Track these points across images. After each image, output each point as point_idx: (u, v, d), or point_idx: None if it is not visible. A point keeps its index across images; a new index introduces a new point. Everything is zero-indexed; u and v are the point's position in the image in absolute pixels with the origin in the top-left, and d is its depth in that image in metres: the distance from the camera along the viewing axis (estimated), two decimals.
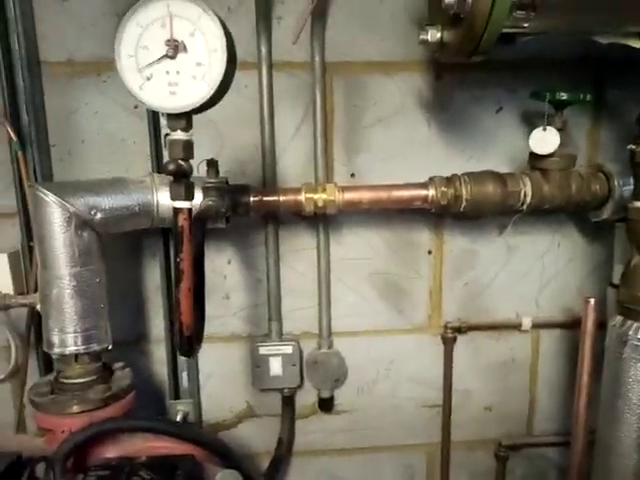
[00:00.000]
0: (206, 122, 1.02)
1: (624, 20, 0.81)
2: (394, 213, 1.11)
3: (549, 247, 1.17)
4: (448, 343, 1.18)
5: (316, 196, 0.97)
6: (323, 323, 1.15)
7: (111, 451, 0.81)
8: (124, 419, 0.86)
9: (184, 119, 0.66)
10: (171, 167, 0.67)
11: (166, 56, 0.62)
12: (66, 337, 0.85)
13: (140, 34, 0.62)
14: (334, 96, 1.07)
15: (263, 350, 1.13)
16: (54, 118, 1.02)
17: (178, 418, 1.13)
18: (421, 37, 0.84)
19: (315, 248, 1.12)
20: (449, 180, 0.99)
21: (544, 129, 0.95)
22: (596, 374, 0.96)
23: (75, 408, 0.83)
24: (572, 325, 1.16)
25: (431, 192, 0.98)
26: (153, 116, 1.01)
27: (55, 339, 0.85)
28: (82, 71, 1.01)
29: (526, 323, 1.18)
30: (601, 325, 0.96)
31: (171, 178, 0.70)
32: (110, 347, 0.90)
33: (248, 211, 0.96)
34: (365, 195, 0.99)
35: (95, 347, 0.87)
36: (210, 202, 0.85)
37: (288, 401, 1.18)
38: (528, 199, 0.99)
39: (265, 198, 0.96)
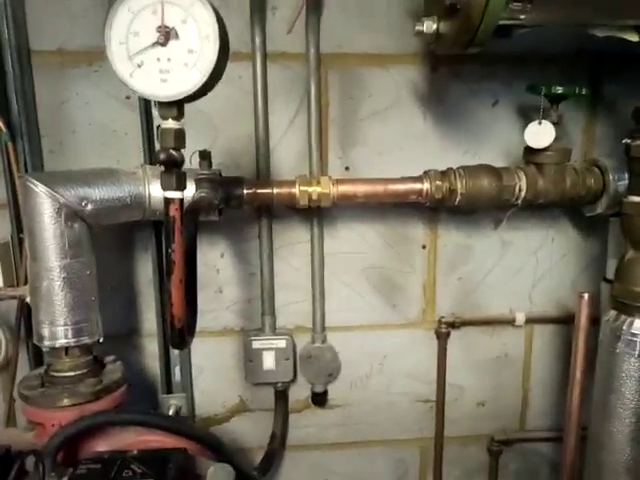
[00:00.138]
0: (199, 113, 1.01)
1: (621, 13, 0.81)
2: (389, 207, 1.11)
3: (543, 242, 1.17)
4: (442, 338, 1.17)
5: (310, 189, 0.96)
6: (317, 317, 1.14)
7: (102, 445, 0.80)
8: (115, 412, 0.85)
9: (175, 108, 0.65)
10: (162, 156, 0.66)
11: (157, 43, 0.61)
12: (56, 330, 0.84)
13: (131, 20, 0.61)
14: (329, 88, 1.06)
15: (256, 344, 1.12)
16: (45, 108, 1.01)
17: (170, 412, 1.12)
18: (417, 28, 0.83)
19: (309, 242, 1.11)
20: (444, 174, 0.99)
21: (539, 123, 0.94)
22: (589, 369, 0.96)
23: (65, 401, 0.82)
24: (566, 320, 1.16)
25: (426, 186, 0.98)
26: (145, 107, 1.00)
27: (45, 332, 0.84)
28: (73, 61, 1.00)
29: (520, 318, 1.18)
30: (595, 320, 0.96)
31: (162, 168, 0.69)
32: (101, 340, 0.89)
33: (241, 204, 0.95)
34: (359, 188, 0.98)
35: (86, 340, 0.86)
36: (203, 194, 0.84)
37: (281, 395, 1.17)
38: (523, 193, 0.98)
39: (259, 190, 0.95)
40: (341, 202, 0.99)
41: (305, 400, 1.20)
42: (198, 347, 1.12)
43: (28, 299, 0.87)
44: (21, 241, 0.97)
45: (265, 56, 1.02)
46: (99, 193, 0.84)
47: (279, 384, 1.15)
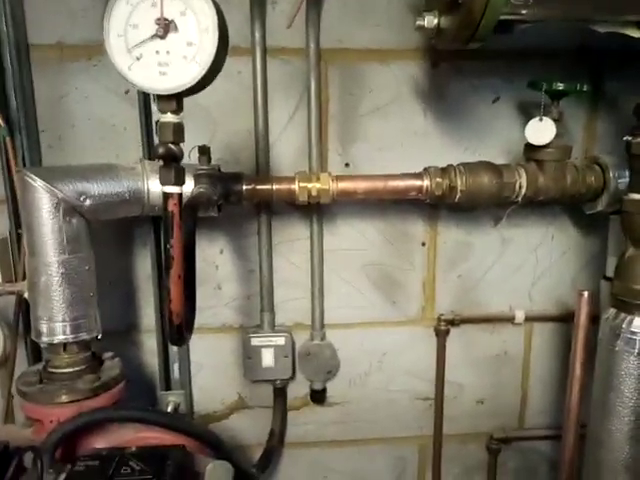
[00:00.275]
0: (199, 108, 1.01)
1: (623, 8, 0.80)
2: (388, 204, 1.10)
3: (543, 239, 1.16)
4: (441, 336, 1.17)
5: (310, 185, 0.96)
6: (316, 314, 1.14)
7: (100, 441, 0.80)
8: (114, 409, 0.85)
9: (174, 101, 0.64)
10: (161, 150, 0.65)
11: (156, 35, 0.60)
12: (55, 326, 0.83)
13: (130, 12, 0.60)
14: (329, 84, 1.05)
15: (255, 341, 1.12)
16: (43, 103, 1.00)
17: (169, 409, 1.12)
18: (418, 23, 0.82)
19: (309, 238, 1.10)
20: (444, 171, 0.98)
21: (540, 119, 0.94)
22: (589, 367, 0.96)
23: (64, 398, 0.82)
24: (565, 318, 1.15)
25: (426, 183, 0.97)
26: (144, 102, 0.99)
27: (43, 328, 0.84)
28: (72, 55, 0.99)
29: (519, 316, 1.17)
30: (594, 318, 0.96)
31: (161, 163, 0.68)
32: (99, 336, 0.88)
33: (241, 199, 0.95)
34: (359, 185, 0.98)
35: (84, 336, 0.85)
36: (202, 189, 0.83)
37: (280, 393, 1.17)
38: (523, 190, 0.98)
39: (258, 186, 0.95)
40: (341, 198, 0.98)
41: (304, 397, 1.20)
42: (197, 344, 1.11)
43: (26, 295, 0.87)
44: (19, 236, 0.96)
45: (265, 51, 1.02)
46: (98, 188, 0.84)
47: (278, 381, 1.15)
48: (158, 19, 0.60)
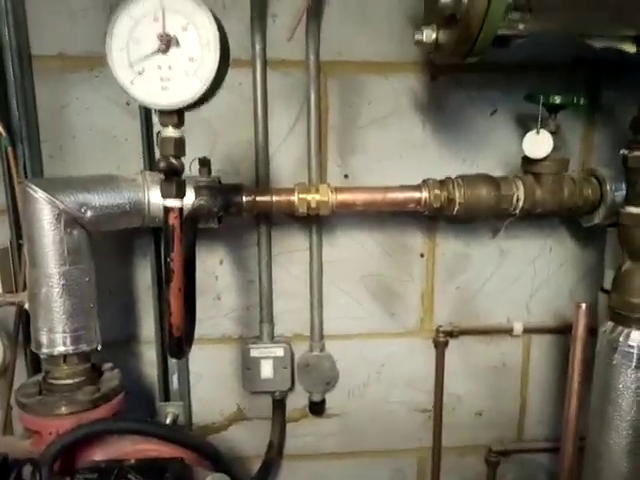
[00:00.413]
0: (199, 120, 1.02)
1: (619, 23, 0.81)
2: (387, 215, 1.11)
3: (541, 251, 1.17)
4: (440, 347, 1.17)
5: (309, 197, 0.96)
6: (315, 325, 1.14)
7: (99, 453, 0.79)
8: (113, 421, 0.84)
9: (176, 115, 0.65)
10: (162, 165, 0.66)
11: (158, 51, 0.61)
12: (55, 337, 0.83)
13: (132, 27, 0.61)
14: (328, 96, 1.06)
15: (254, 352, 1.12)
16: (45, 113, 1.01)
17: (168, 420, 1.11)
18: (416, 37, 0.83)
19: (308, 249, 1.11)
20: (442, 183, 0.99)
21: (537, 132, 0.95)
22: (587, 380, 0.96)
23: (63, 409, 0.82)
24: (563, 330, 1.15)
25: (424, 195, 0.98)
26: (145, 113, 1.00)
27: (43, 339, 0.84)
28: (74, 65, 1.00)
29: (517, 328, 1.17)
30: (592, 330, 0.96)
31: (162, 176, 0.69)
32: (99, 348, 0.88)
33: (240, 211, 0.95)
34: (358, 197, 0.98)
35: (84, 347, 0.85)
36: (202, 201, 0.84)
37: (279, 404, 1.17)
38: (521, 203, 0.99)
39: (258, 198, 0.95)
40: (340, 210, 0.99)
41: (303, 409, 1.20)
42: (196, 354, 1.11)
43: (27, 306, 0.87)
44: (20, 247, 0.97)
45: (265, 63, 1.03)
46: (99, 199, 0.84)
47: (277, 393, 1.15)
48: (160, 34, 0.61)
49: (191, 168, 0.86)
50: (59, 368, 0.85)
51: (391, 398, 1.21)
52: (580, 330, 0.95)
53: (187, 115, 0.69)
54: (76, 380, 0.85)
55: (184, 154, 0.68)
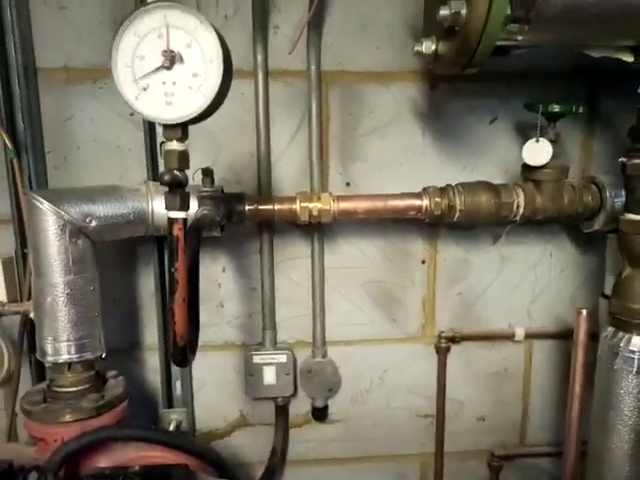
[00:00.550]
0: (202, 130, 1.01)
1: (616, 34, 0.82)
2: (388, 222, 1.12)
3: (542, 257, 1.18)
4: (441, 353, 1.18)
5: (311, 205, 0.97)
6: (317, 332, 1.15)
7: (104, 460, 0.80)
8: (117, 428, 0.85)
9: (180, 129, 0.66)
10: (166, 178, 0.67)
11: (163, 67, 0.62)
12: (59, 345, 0.84)
13: (137, 44, 0.62)
14: (330, 105, 1.07)
15: (257, 359, 1.13)
16: (49, 124, 1.02)
17: (171, 427, 1.12)
18: (416, 49, 0.84)
19: (310, 257, 1.12)
20: (443, 190, 1.00)
21: (537, 140, 0.96)
22: (588, 385, 0.96)
23: (68, 417, 0.83)
24: (564, 335, 1.16)
25: (425, 202, 0.99)
26: (149, 123, 1.01)
27: (48, 347, 0.85)
28: (78, 77, 1.01)
29: (519, 333, 1.18)
30: (594, 335, 0.97)
31: (166, 187, 0.70)
32: (104, 356, 0.89)
33: (243, 220, 0.96)
34: (359, 205, 0.99)
35: (88, 356, 0.86)
36: (205, 211, 0.85)
37: (282, 410, 1.17)
38: (521, 210, 0.99)
39: (260, 207, 0.96)
40: (342, 218, 1.00)
41: (305, 415, 1.20)
42: (199, 361, 1.12)
43: (32, 314, 0.88)
44: (25, 256, 0.98)
45: (267, 73, 1.04)
46: (103, 210, 0.85)
47: (279, 399, 1.15)
48: (164, 51, 0.62)
49: (194, 178, 0.87)
50: (64, 376, 0.86)
51: (393, 404, 1.21)
52: (581, 335, 0.96)
53: (190, 126, 0.70)
54: (80, 388, 0.86)
55: (188, 167, 0.70)
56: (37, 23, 0.99)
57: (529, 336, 1.19)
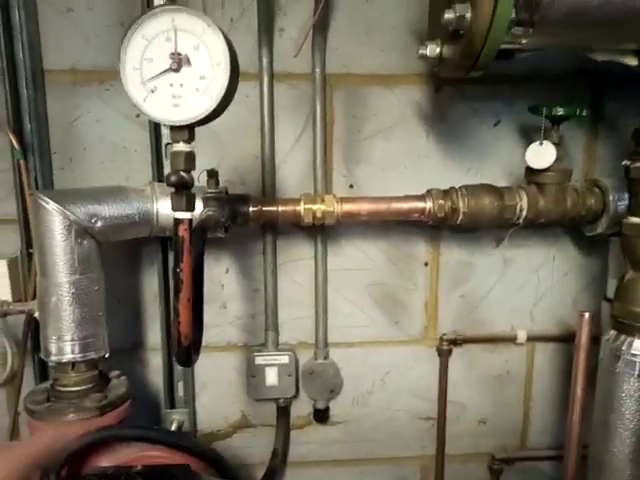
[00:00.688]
0: (207, 131, 1.01)
1: (621, 37, 0.82)
2: (391, 225, 1.12)
3: (544, 260, 1.18)
4: (443, 355, 1.18)
5: (315, 207, 0.97)
6: (319, 333, 1.15)
7: (106, 460, 0.80)
8: (119, 428, 0.85)
9: (187, 131, 0.67)
10: (173, 179, 0.67)
11: (170, 69, 0.63)
12: (64, 345, 0.85)
13: (145, 47, 0.63)
14: (334, 107, 1.08)
15: (259, 360, 1.13)
16: (56, 126, 1.03)
17: (173, 427, 1.12)
18: (420, 52, 0.85)
19: (313, 258, 1.12)
20: (446, 193, 1.00)
21: (540, 143, 0.96)
22: (590, 388, 0.97)
23: (71, 416, 0.83)
24: (567, 338, 1.16)
25: (428, 204, 0.99)
26: (154, 125, 1.01)
27: (52, 347, 0.85)
28: (85, 79, 1.02)
29: (521, 336, 1.18)
30: (596, 339, 0.97)
31: (172, 188, 0.70)
32: (107, 355, 0.90)
33: (247, 221, 0.97)
34: (363, 207, 1.00)
35: (92, 355, 0.87)
36: (210, 212, 0.85)
37: (283, 412, 1.17)
38: (524, 213, 1.00)
39: (264, 208, 0.97)
40: (345, 220, 1.00)
41: (307, 416, 1.20)
42: (201, 362, 1.11)
43: (36, 314, 0.88)
44: (30, 256, 0.99)
45: (272, 76, 1.04)
46: (109, 210, 0.86)
47: (281, 400, 1.16)
48: (172, 53, 0.62)
49: (199, 179, 0.87)
50: (67, 375, 0.87)
51: (395, 406, 1.22)
52: (583, 339, 0.96)
53: (197, 127, 0.71)
54: (84, 387, 0.87)
55: (194, 168, 0.70)
56: (44, 26, 0.99)
57: (531, 339, 1.19)
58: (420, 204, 1.00)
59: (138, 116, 1.03)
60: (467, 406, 1.23)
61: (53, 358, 0.86)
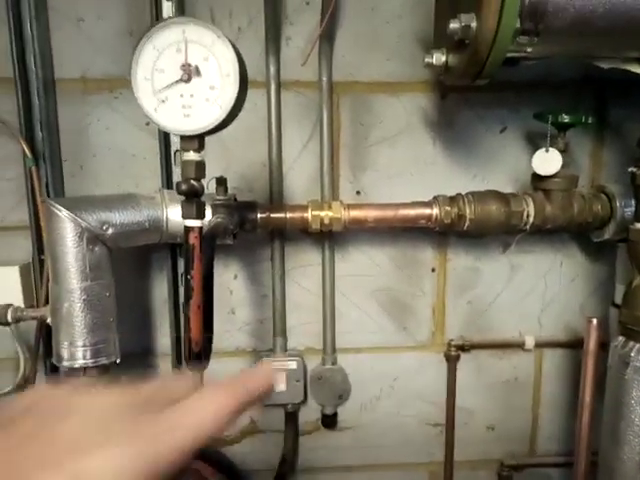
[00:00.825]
0: (214, 138, 1.03)
1: (625, 46, 0.83)
2: (399, 231, 1.12)
3: (552, 266, 1.18)
4: (451, 361, 1.18)
5: (322, 213, 0.98)
6: (327, 339, 1.15)
7: None
8: None
9: (197, 140, 0.68)
10: (184, 187, 0.68)
11: (181, 80, 0.64)
12: (75, 350, 0.86)
13: (156, 57, 0.64)
14: (341, 115, 1.09)
15: None
16: (66, 133, 1.04)
17: None
18: (426, 60, 0.86)
19: (320, 264, 1.13)
20: (453, 199, 1.01)
21: (547, 150, 0.96)
22: (599, 394, 0.96)
23: None
24: (575, 344, 1.16)
25: (435, 211, 1.00)
26: (164, 132, 1.03)
27: (65, 352, 0.86)
28: (95, 88, 1.04)
29: (529, 342, 1.18)
30: (604, 345, 0.97)
31: (182, 196, 0.71)
32: (118, 361, 0.91)
33: (255, 227, 0.98)
34: (370, 213, 1.00)
35: (104, 361, 0.88)
36: (219, 219, 0.86)
37: (291, 417, 1.18)
38: (531, 219, 1.00)
39: (272, 215, 0.98)
40: (352, 226, 1.01)
41: (315, 422, 1.21)
42: (210, 367, 1.12)
43: (49, 320, 0.89)
44: (42, 263, 1.00)
45: (279, 84, 1.05)
46: (119, 217, 0.87)
47: (289, 405, 1.16)
48: (183, 65, 0.64)
49: (208, 186, 0.88)
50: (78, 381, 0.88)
51: (403, 412, 1.22)
52: (591, 345, 0.96)
53: None
54: None
55: (204, 176, 0.71)
56: (56, 35, 1.01)
57: (539, 345, 1.19)
58: (427, 210, 1.00)
59: (147, 124, 1.04)
60: (475, 412, 1.23)
61: (65, 363, 0.87)
